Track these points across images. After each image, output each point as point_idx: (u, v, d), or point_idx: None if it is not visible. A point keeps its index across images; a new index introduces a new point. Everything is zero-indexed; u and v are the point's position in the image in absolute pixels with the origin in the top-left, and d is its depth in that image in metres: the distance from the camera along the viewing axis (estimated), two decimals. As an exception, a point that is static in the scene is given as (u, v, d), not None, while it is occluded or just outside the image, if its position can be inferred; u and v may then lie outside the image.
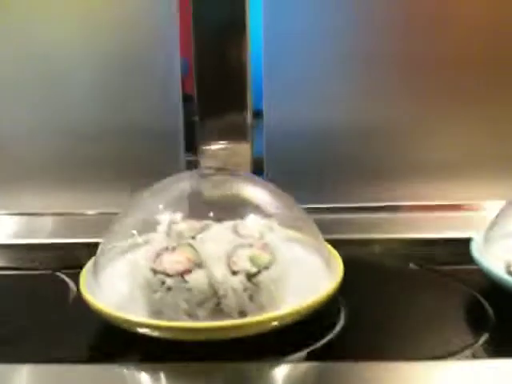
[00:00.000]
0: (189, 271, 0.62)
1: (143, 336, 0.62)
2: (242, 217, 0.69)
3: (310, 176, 0.94)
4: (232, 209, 0.71)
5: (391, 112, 0.92)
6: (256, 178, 0.78)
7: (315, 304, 0.62)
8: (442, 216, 0.92)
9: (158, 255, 0.64)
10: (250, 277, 0.61)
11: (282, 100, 0.93)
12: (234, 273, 0.61)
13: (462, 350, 0.60)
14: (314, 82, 0.92)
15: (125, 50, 0.94)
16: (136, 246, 0.71)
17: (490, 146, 0.91)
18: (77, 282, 0.71)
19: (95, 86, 0.95)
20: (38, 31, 0.93)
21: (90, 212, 0.98)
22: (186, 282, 0.61)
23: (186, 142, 0.95)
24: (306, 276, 0.66)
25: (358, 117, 0.92)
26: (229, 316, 0.61)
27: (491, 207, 0.87)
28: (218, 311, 0.62)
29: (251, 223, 0.68)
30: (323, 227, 0.76)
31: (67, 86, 0.95)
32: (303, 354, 0.61)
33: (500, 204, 0.77)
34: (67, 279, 0.80)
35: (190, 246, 0.64)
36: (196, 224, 0.68)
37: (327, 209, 0.93)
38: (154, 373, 0.59)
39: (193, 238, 0.66)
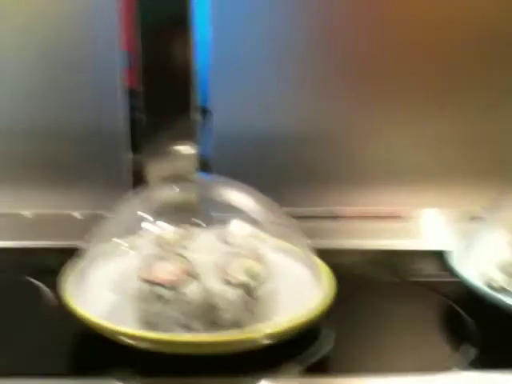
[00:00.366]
0: (183, 282, 0.60)
1: (129, 348, 0.61)
2: (228, 224, 0.68)
3: (253, 179, 0.93)
4: (218, 215, 0.69)
5: (337, 116, 0.93)
6: (239, 183, 0.75)
7: (312, 317, 0.62)
8: (380, 224, 0.94)
9: (149, 265, 0.63)
10: (250, 291, 0.60)
11: (229, 100, 0.93)
12: (232, 286, 0.60)
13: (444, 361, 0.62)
14: (262, 82, 0.93)
15: (62, 45, 0.92)
16: (121, 252, 0.68)
17: (434, 152, 0.94)
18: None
19: (32, 83, 0.93)
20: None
21: (26, 213, 0.95)
22: (183, 295, 0.60)
23: (131, 140, 0.94)
24: (297, 288, 0.66)
25: (305, 119, 0.93)
26: (223, 328, 0.60)
27: (428, 215, 0.93)
28: (211, 323, 0.60)
29: (239, 231, 0.67)
30: None
31: (1, 82, 0.92)
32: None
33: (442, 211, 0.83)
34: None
35: (181, 256, 0.63)
36: (182, 232, 0.67)
37: None
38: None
39: (182, 247, 0.64)
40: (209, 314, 0.61)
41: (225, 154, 0.94)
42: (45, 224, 0.93)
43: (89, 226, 0.83)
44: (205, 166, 0.94)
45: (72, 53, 0.91)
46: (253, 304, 0.61)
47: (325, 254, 0.73)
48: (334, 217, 0.94)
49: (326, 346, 0.65)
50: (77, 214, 0.95)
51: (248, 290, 0.61)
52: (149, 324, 0.62)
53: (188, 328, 0.61)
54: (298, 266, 0.71)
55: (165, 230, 0.68)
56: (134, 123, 0.93)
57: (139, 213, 0.71)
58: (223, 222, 0.69)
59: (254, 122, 0.93)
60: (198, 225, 0.69)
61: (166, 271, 0.62)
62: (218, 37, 0.91)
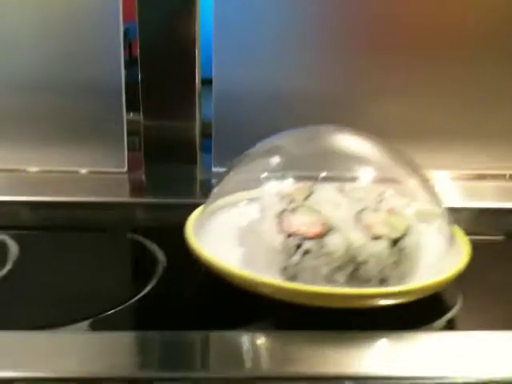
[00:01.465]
0: (324, 234, 0.59)
1: (263, 299, 0.59)
2: (350, 176, 0.67)
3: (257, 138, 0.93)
4: (338, 166, 0.68)
5: (341, 76, 0.94)
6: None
7: (451, 277, 0.62)
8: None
9: (285, 218, 0.61)
10: (394, 242, 0.60)
11: (232, 65, 0.92)
12: (375, 238, 0.60)
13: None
14: (264, 48, 0.92)
15: (67, 9, 0.89)
16: (244, 205, 0.66)
17: (440, 112, 0.95)
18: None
19: (32, 38, 0.91)
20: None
21: (32, 169, 0.93)
22: (324, 245, 0.59)
23: (129, 101, 0.91)
24: (432, 246, 0.66)
25: (307, 82, 0.93)
26: (367, 283, 0.60)
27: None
28: (354, 277, 0.60)
29: (363, 185, 0.66)
30: None
31: (11, 43, 0.90)
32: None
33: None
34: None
35: (311, 208, 0.62)
36: (305, 186, 0.65)
37: None
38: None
39: (305, 199, 0.63)
40: (351, 266, 0.60)
41: (227, 116, 0.92)
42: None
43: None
44: (206, 128, 0.92)
45: (75, 9, 0.89)
46: (398, 256, 0.60)
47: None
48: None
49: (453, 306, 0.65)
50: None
51: (392, 242, 0.60)
52: (288, 275, 0.60)
53: (329, 280, 0.59)
54: (430, 224, 0.69)
55: (287, 184, 0.65)
56: (132, 82, 0.90)
57: (260, 167, 0.69)
58: (348, 174, 0.67)
59: (256, 83, 0.92)
60: (320, 178, 0.66)
61: (303, 223, 0.60)
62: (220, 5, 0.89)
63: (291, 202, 0.63)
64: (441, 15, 0.90)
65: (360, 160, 0.69)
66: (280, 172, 0.68)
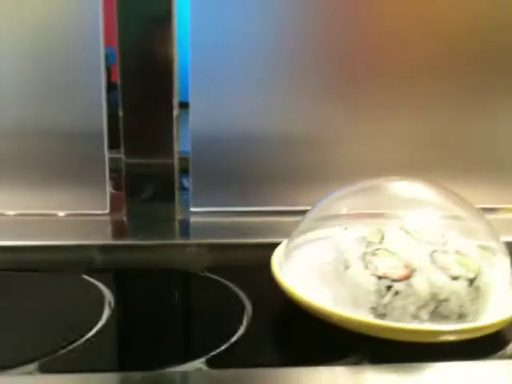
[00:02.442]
0: (409, 276, 0.63)
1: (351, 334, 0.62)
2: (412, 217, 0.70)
3: (233, 178, 0.93)
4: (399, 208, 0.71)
5: (315, 117, 0.94)
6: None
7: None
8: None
9: (365, 259, 0.64)
10: (471, 282, 0.64)
11: (209, 96, 0.91)
12: (454, 278, 0.63)
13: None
14: (241, 81, 0.92)
15: (46, 44, 0.87)
16: (322, 243, 0.68)
17: (417, 154, 0.97)
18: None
19: (10, 82, 0.88)
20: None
21: (10, 212, 0.90)
22: (411, 286, 0.62)
23: (110, 139, 0.89)
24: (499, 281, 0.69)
25: (286, 119, 0.93)
26: (447, 319, 0.63)
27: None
28: (436, 314, 0.63)
29: (425, 226, 0.69)
30: (246, 230, 0.85)
31: None
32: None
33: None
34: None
35: (389, 251, 0.65)
36: (372, 228, 0.68)
37: (251, 212, 0.93)
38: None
39: (380, 242, 0.66)
40: (433, 303, 0.63)
41: (204, 152, 0.91)
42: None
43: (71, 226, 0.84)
44: (184, 163, 0.92)
45: (55, 50, 0.88)
46: (473, 295, 0.64)
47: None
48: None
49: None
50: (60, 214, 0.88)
51: (469, 281, 0.64)
52: (378, 314, 0.62)
53: (415, 317, 0.62)
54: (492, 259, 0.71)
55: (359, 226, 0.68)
56: (113, 120, 0.88)
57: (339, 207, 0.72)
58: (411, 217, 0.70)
59: (234, 121, 0.92)
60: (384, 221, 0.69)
61: (388, 266, 0.63)
62: (198, 33, 0.89)
63: (368, 244, 0.66)
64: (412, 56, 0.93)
65: (419, 202, 0.72)
66: (351, 214, 0.69)
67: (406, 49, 0.92)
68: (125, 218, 0.89)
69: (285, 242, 0.73)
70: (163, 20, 0.86)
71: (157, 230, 0.87)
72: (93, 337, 0.63)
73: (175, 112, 0.88)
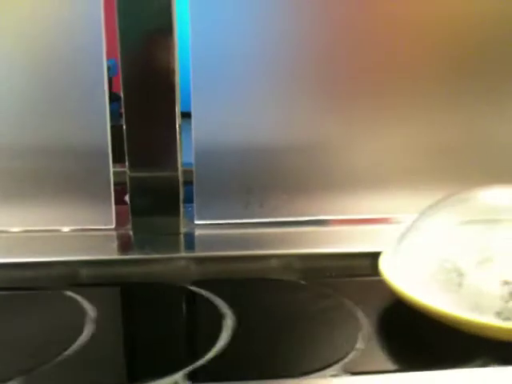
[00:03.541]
0: None
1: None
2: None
3: (238, 190, 0.94)
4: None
5: (320, 126, 0.94)
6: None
7: None
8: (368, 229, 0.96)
9: (484, 265, 0.67)
10: None
11: (211, 107, 0.91)
12: None
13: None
14: (243, 91, 0.92)
15: (48, 59, 0.88)
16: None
17: (420, 160, 0.97)
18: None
19: (16, 97, 0.89)
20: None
21: (14, 229, 0.89)
22: None
23: (114, 153, 0.89)
24: None
25: (288, 129, 0.94)
26: None
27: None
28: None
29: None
30: (251, 242, 0.85)
31: None
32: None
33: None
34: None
35: (504, 256, 0.68)
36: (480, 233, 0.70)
37: (255, 224, 0.93)
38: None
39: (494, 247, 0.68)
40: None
41: (207, 164, 0.92)
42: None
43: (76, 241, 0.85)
44: (188, 175, 0.92)
45: (57, 65, 0.88)
46: None
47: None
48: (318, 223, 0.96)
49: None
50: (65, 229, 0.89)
51: None
52: (503, 317, 0.64)
53: None
54: None
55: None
56: (117, 134, 0.89)
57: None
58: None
59: (237, 132, 0.92)
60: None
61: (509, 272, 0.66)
62: (199, 44, 0.90)
63: (483, 250, 0.68)
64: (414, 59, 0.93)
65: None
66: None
67: (411, 52, 0.93)
68: (130, 232, 0.90)
69: (387, 250, 0.74)
70: (164, 32, 0.86)
71: (162, 243, 0.87)
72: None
73: (178, 124, 0.88)
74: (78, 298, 0.75)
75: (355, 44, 0.92)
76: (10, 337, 0.67)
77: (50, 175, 0.88)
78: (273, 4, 0.90)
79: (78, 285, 0.78)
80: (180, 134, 0.89)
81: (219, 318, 0.71)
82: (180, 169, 0.89)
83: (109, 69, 0.87)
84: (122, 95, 0.87)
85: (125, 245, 0.88)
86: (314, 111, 0.93)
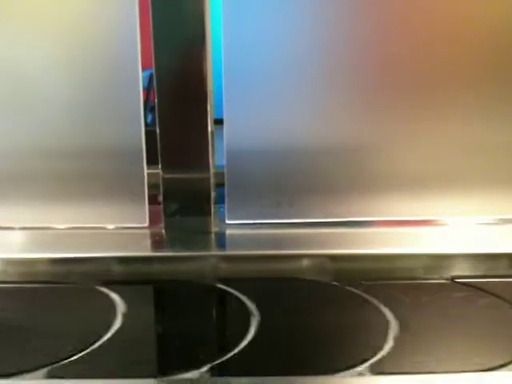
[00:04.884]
0: None
1: None
2: None
3: (269, 190, 0.95)
4: None
5: (351, 127, 0.95)
6: None
7: None
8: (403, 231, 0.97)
9: None
10: None
11: (243, 112, 0.93)
12: None
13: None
14: (275, 94, 0.94)
15: (88, 68, 0.92)
16: None
17: (460, 162, 0.96)
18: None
19: (56, 102, 0.93)
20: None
21: (58, 226, 0.94)
22: None
23: (148, 154, 0.92)
24: None
25: (320, 131, 0.95)
26: None
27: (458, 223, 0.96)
28: None
29: None
30: (281, 242, 0.87)
31: (34, 104, 0.93)
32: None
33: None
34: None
35: None
36: None
37: (286, 224, 0.95)
38: None
39: None
40: None
41: (239, 166, 0.94)
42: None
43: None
44: (219, 178, 0.94)
45: (97, 73, 0.92)
46: None
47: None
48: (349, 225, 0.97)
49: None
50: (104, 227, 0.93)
51: None
52: None
53: None
54: None
55: None
56: (151, 137, 0.91)
57: None
58: None
59: (266, 135, 0.94)
60: None
61: None
62: (230, 48, 0.92)
63: None
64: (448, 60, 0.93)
65: None
66: None
67: (451, 50, 0.93)
68: (163, 231, 0.92)
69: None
70: (197, 41, 0.89)
71: (193, 242, 0.90)
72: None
73: (210, 128, 0.90)
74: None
75: (391, 45, 0.93)
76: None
77: (90, 176, 0.91)
78: (303, 9, 0.92)
79: (111, 281, 0.81)
80: (212, 137, 0.91)
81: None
82: (212, 171, 0.91)
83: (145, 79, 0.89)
84: (156, 101, 0.88)
85: (157, 243, 0.91)
86: (346, 112, 0.94)
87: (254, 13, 0.91)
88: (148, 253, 0.89)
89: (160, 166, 0.91)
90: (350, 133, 0.95)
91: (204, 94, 0.91)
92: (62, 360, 0.64)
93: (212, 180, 0.93)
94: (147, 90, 0.91)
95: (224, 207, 0.94)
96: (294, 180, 0.95)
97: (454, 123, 0.95)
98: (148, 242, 0.91)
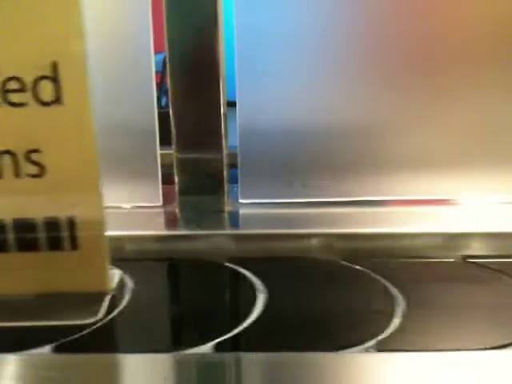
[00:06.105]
0: None
1: None
2: None
3: (282, 170, 0.97)
4: None
5: (364, 106, 0.96)
6: None
7: None
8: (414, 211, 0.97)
9: None
10: None
11: (255, 93, 0.94)
12: None
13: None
14: (288, 75, 0.95)
15: (103, 50, 0.93)
16: None
17: (474, 141, 0.97)
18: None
19: None
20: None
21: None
22: None
23: (162, 136, 0.94)
24: None
25: (332, 111, 0.96)
26: None
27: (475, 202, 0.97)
28: None
29: None
30: (292, 221, 0.88)
31: None
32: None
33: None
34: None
35: None
36: None
37: (298, 203, 0.97)
38: None
39: None
40: None
41: (251, 147, 0.96)
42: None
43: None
44: (232, 158, 0.95)
45: (111, 55, 0.94)
46: None
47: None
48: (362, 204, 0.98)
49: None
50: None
51: None
52: None
53: None
54: None
55: None
56: (165, 119, 0.93)
57: None
58: None
59: (279, 116, 0.95)
60: None
61: None
62: (243, 29, 0.93)
63: None
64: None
65: None
66: None
67: (465, 33, 0.93)
68: (177, 210, 0.94)
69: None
70: (210, 24, 0.91)
71: (207, 220, 0.91)
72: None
73: (223, 110, 0.91)
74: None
75: (405, 25, 0.93)
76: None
77: (104, 156, 0.91)
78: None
79: (123, 259, 0.82)
80: (226, 118, 0.92)
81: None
82: (225, 151, 0.92)
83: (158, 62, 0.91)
84: (169, 84, 0.89)
85: (171, 221, 0.92)
86: (359, 92, 0.95)
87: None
88: (162, 231, 0.89)
89: (174, 146, 0.92)
90: (362, 112, 0.96)
91: (217, 76, 0.91)
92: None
93: (225, 160, 0.93)
94: (161, 72, 0.91)
95: (237, 187, 0.95)
96: (306, 160, 0.97)
97: (470, 102, 0.95)
98: (162, 220, 0.92)
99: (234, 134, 0.95)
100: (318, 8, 0.93)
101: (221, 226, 0.92)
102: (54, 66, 0.65)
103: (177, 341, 0.69)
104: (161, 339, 0.68)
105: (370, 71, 0.95)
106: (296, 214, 0.95)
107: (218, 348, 0.63)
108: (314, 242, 0.87)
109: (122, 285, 0.76)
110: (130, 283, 0.77)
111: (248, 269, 0.80)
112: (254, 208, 0.96)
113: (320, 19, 0.93)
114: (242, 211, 0.95)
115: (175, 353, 0.63)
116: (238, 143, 0.95)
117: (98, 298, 0.72)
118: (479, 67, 0.94)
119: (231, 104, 0.94)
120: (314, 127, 0.96)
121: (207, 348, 0.63)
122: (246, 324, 0.68)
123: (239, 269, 0.80)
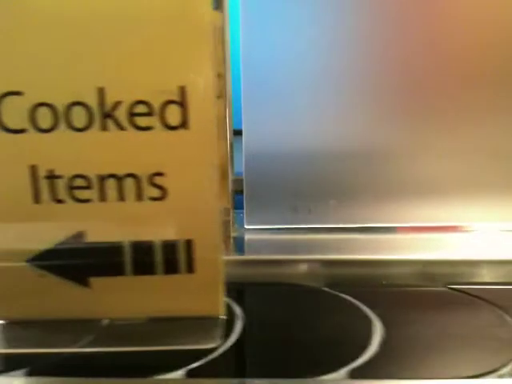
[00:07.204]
0: None
1: None
2: None
3: (287, 196, 0.98)
4: None
5: (369, 132, 0.96)
6: None
7: None
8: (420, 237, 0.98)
9: None
10: None
11: (261, 121, 0.95)
12: None
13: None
14: (294, 103, 0.96)
15: None
16: None
17: (483, 167, 0.97)
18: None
19: None
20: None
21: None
22: None
23: None
24: None
25: (337, 137, 0.96)
26: None
27: (482, 229, 0.97)
28: None
29: None
30: (300, 248, 0.89)
31: None
32: None
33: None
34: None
35: None
36: None
37: (303, 229, 0.98)
38: None
39: None
40: None
41: (257, 173, 0.97)
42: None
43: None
44: (238, 184, 0.97)
45: None
46: None
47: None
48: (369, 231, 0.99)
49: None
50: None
51: None
52: None
53: None
54: None
55: None
56: None
57: None
58: None
59: (285, 142, 0.96)
60: None
61: None
62: (249, 55, 0.94)
63: None
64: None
65: None
66: None
67: (474, 53, 0.93)
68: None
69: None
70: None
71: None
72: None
73: (229, 139, 0.93)
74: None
75: (409, 50, 0.94)
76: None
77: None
78: (321, 13, 0.93)
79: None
80: (232, 147, 0.93)
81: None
82: (231, 177, 0.94)
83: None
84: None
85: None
86: (364, 118, 0.96)
87: (273, 20, 0.93)
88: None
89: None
90: (367, 138, 0.96)
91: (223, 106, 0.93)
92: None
93: (231, 186, 0.95)
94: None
95: (243, 213, 0.97)
96: (312, 186, 0.98)
97: (478, 128, 0.95)
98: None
99: (239, 160, 0.96)
100: (322, 35, 0.94)
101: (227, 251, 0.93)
102: (182, 91, 0.66)
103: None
104: (288, 364, 0.68)
105: (376, 97, 0.96)
106: (297, 240, 0.96)
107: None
108: (301, 268, 0.87)
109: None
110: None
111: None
112: (259, 233, 0.96)
113: (324, 47, 0.94)
114: (247, 237, 0.96)
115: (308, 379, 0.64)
116: (243, 170, 0.96)
117: (211, 322, 0.72)
118: (492, 91, 0.95)
119: (237, 132, 0.95)
120: (320, 152, 0.97)
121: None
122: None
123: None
